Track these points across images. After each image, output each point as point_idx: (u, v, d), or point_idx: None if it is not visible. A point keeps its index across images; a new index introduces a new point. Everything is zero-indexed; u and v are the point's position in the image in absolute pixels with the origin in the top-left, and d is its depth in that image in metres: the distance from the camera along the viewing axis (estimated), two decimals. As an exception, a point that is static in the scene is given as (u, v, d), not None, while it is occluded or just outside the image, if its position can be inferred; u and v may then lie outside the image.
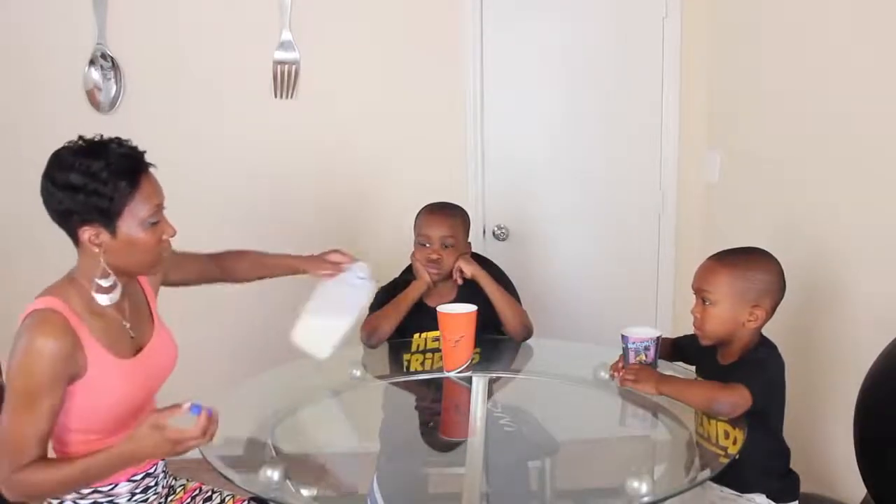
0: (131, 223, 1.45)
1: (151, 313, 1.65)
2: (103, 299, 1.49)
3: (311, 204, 3.04)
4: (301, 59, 2.94)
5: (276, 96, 2.96)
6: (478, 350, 2.05)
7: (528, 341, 2.23)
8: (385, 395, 2.12)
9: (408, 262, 2.28)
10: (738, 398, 1.59)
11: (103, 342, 1.48)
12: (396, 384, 2.12)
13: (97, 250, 1.45)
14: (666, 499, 1.44)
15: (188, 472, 1.73)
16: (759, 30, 2.63)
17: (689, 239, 3.13)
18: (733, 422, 1.61)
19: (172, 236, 1.53)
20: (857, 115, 2.06)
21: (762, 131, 2.61)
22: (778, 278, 1.69)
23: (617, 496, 1.43)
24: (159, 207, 1.50)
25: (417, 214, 2.27)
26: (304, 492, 1.47)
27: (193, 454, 1.57)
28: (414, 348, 2.13)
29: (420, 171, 3.03)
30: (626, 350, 1.82)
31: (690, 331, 1.81)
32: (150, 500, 1.59)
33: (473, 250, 2.34)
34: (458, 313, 1.95)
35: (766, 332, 1.74)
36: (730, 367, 1.70)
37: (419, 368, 2.10)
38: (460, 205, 2.33)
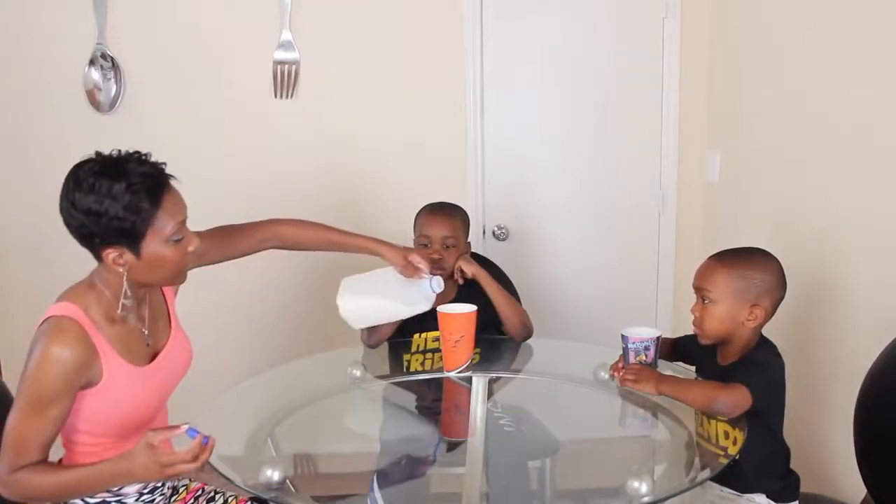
0: (156, 242, 1.44)
1: (169, 315, 1.65)
2: (128, 317, 1.51)
3: (311, 204, 3.04)
4: (301, 59, 2.94)
5: (276, 96, 2.96)
6: (478, 350, 2.05)
7: (528, 341, 2.23)
8: (385, 395, 2.12)
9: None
10: (738, 398, 1.59)
11: (119, 350, 1.48)
12: (396, 384, 2.12)
13: (121, 270, 1.44)
14: (666, 499, 1.44)
15: (189, 472, 1.73)
16: (760, 30, 2.63)
17: (689, 238, 3.13)
18: (733, 422, 1.61)
19: (197, 247, 1.52)
20: (858, 114, 2.06)
21: (762, 131, 2.61)
22: (778, 278, 1.69)
23: (617, 496, 1.43)
24: (183, 223, 1.48)
25: (417, 214, 2.27)
26: (304, 491, 1.47)
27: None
28: (414, 348, 2.13)
29: (420, 171, 3.03)
30: (625, 350, 1.82)
31: (690, 331, 1.81)
32: (156, 501, 1.60)
33: (473, 250, 2.34)
34: (458, 313, 1.95)
35: (765, 331, 1.74)
36: (730, 368, 1.70)
37: (419, 368, 2.10)
38: (460, 205, 2.33)
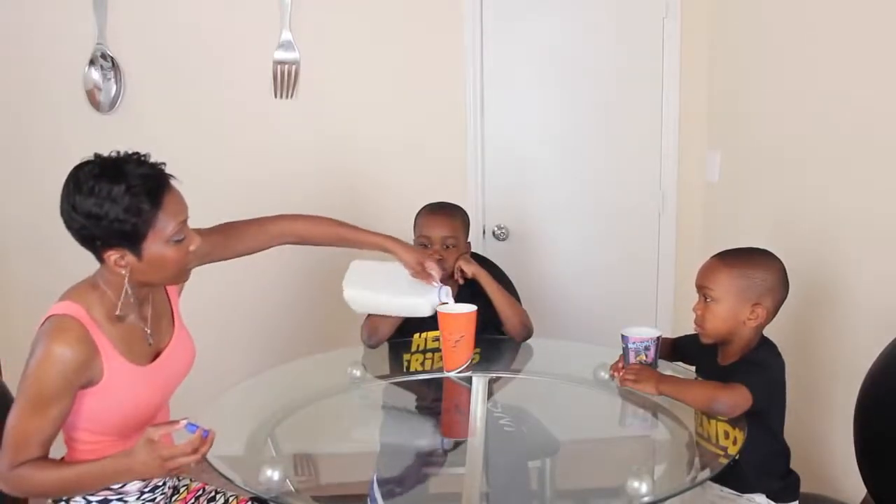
0: (157, 243, 1.44)
1: (173, 314, 1.65)
2: (129, 316, 1.50)
3: (310, 204, 3.01)
4: (301, 59, 2.94)
5: (276, 96, 2.96)
6: (478, 350, 2.05)
7: (528, 341, 2.23)
8: (385, 395, 2.12)
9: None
10: (738, 398, 1.59)
11: (121, 349, 1.48)
12: (396, 384, 2.12)
13: (123, 272, 1.45)
14: (666, 499, 1.44)
15: (189, 471, 1.72)
16: (760, 30, 2.63)
17: (689, 238, 3.13)
18: (733, 422, 1.61)
19: (198, 246, 1.52)
20: (858, 114, 2.06)
21: (762, 131, 2.61)
22: (780, 278, 1.70)
23: (617, 496, 1.43)
24: (184, 223, 1.48)
25: (417, 214, 2.27)
26: (304, 491, 1.47)
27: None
28: (414, 348, 2.13)
29: (420, 171, 3.03)
30: (626, 350, 1.82)
31: (690, 330, 1.81)
32: (157, 500, 1.60)
33: (473, 250, 2.34)
34: (458, 313, 1.95)
35: (766, 331, 1.74)
36: (730, 368, 1.70)
37: (419, 368, 2.10)
38: (459, 205, 2.34)
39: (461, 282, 2.19)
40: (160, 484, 1.60)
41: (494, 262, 2.45)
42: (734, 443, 1.58)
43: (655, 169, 3.12)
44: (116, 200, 1.38)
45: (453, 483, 1.65)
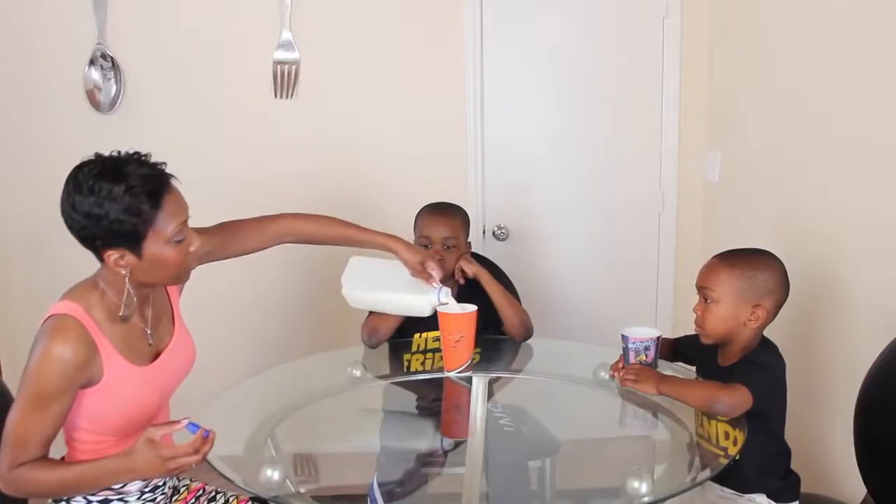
0: (157, 244, 1.44)
1: (173, 314, 1.65)
2: (129, 316, 1.50)
3: (310, 204, 3.02)
4: (301, 59, 2.94)
5: (276, 96, 2.96)
6: (478, 350, 2.05)
7: (528, 341, 2.23)
8: (385, 395, 2.12)
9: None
10: (738, 398, 1.59)
11: (121, 349, 1.48)
12: (396, 384, 2.12)
13: (123, 272, 1.44)
14: (666, 499, 1.44)
15: (189, 471, 1.73)
16: (759, 29, 2.63)
17: (689, 238, 3.13)
18: (733, 422, 1.61)
19: (199, 247, 1.52)
20: (858, 114, 2.06)
21: (762, 131, 2.61)
22: (780, 279, 1.69)
23: (617, 496, 1.43)
24: (184, 224, 1.48)
25: (418, 215, 2.27)
26: (304, 491, 1.47)
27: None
28: (414, 348, 2.13)
29: (420, 171, 3.03)
30: (626, 350, 1.82)
31: (690, 330, 1.81)
32: (157, 500, 1.60)
33: (473, 250, 2.34)
34: (458, 313, 1.95)
35: (766, 331, 1.74)
36: (730, 368, 1.70)
37: (420, 368, 2.10)
38: (459, 205, 2.33)
39: (462, 282, 2.19)
40: (160, 484, 1.60)
41: (494, 262, 2.45)
42: (734, 443, 1.58)
43: (655, 169, 3.12)
44: (116, 200, 1.38)
45: (453, 483, 1.65)
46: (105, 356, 1.45)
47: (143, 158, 1.46)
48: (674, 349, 1.94)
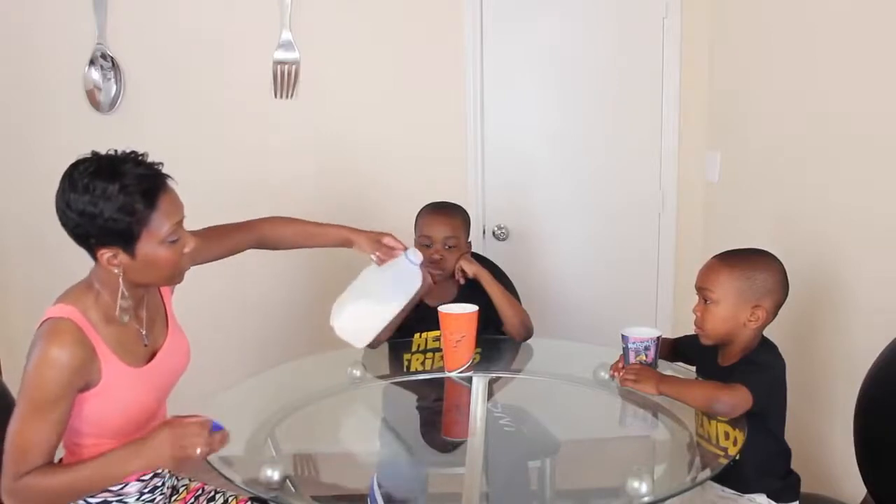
0: (150, 244, 1.43)
1: (167, 315, 1.65)
2: (125, 318, 1.49)
3: (310, 204, 3.04)
4: (301, 59, 2.94)
5: (276, 96, 2.96)
6: (479, 350, 2.05)
7: (528, 341, 2.23)
8: (385, 395, 2.12)
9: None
10: (738, 398, 1.59)
11: (117, 351, 1.48)
12: (397, 384, 2.12)
13: (116, 271, 1.44)
14: (666, 499, 1.44)
15: (189, 471, 1.73)
16: (759, 29, 2.63)
17: (689, 239, 3.14)
18: (733, 422, 1.61)
19: (193, 248, 1.51)
20: (858, 114, 2.06)
21: (762, 131, 2.61)
22: (780, 279, 1.69)
23: (617, 496, 1.43)
24: (179, 224, 1.48)
25: (418, 214, 2.27)
26: (304, 491, 1.47)
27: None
28: (414, 348, 2.13)
29: (420, 171, 3.03)
30: (626, 350, 1.82)
31: (690, 330, 1.81)
32: (156, 500, 1.60)
33: (473, 250, 2.34)
34: (459, 313, 1.95)
35: (766, 331, 1.74)
36: (730, 369, 1.70)
37: (420, 368, 2.10)
38: (460, 205, 2.33)
39: (462, 281, 2.19)
40: (159, 485, 1.60)
41: (494, 262, 2.46)
42: (734, 443, 1.58)
43: (655, 169, 3.12)
44: (111, 199, 1.37)
45: (453, 483, 1.64)
46: (102, 358, 1.44)
47: (140, 158, 1.45)
48: (674, 349, 1.94)
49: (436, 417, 2.10)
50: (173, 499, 1.67)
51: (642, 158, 3.11)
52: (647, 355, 1.80)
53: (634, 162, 3.12)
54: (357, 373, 2.10)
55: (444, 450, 1.89)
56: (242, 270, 2.25)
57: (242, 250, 1.87)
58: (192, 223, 1.70)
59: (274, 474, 1.46)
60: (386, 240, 1.85)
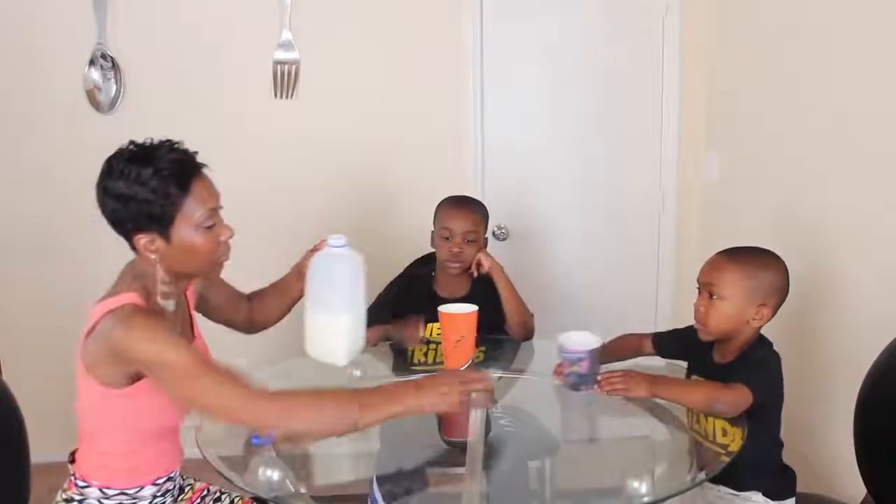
0: (185, 229, 1.44)
1: (191, 319, 1.66)
2: (169, 304, 1.49)
3: (310, 204, 3.04)
4: (301, 59, 2.94)
5: (276, 96, 2.96)
6: (482, 349, 2.06)
7: (530, 341, 2.23)
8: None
9: (410, 259, 2.32)
10: (739, 398, 1.59)
11: None
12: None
13: (153, 257, 1.44)
14: (666, 499, 1.44)
15: (188, 471, 1.73)
16: (760, 29, 2.63)
17: (688, 238, 3.14)
18: (731, 419, 1.61)
19: (230, 238, 1.52)
20: (857, 114, 2.06)
21: (762, 131, 2.61)
22: (785, 279, 1.69)
23: (617, 496, 1.43)
24: (214, 211, 1.49)
25: (439, 206, 2.28)
26: (304, 491, 1.47)
27: (195, 454, 1.58)
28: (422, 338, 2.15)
29: (420, 171, 3.03)
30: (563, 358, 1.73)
31: (691, 330, 1.80)
32: (166, 502, 1.60)
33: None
34: (457, 313, 1.95)
35: (766, 330, 1.74)
36: (729, 366, 1.69)
37: (422, 359, 2.11)
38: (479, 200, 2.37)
39: (475, 274, 2.21)
40: (170, 487, 1.60)
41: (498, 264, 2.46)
42: (733, 440, 1.58)
43: (655, 168, 3.12)
44: (145, 183, 1.39)
45: (453, 483, 1.64)
46: None
47: (175, 145, 1.48)
48: (655, 346, 1.90)
49: (436, 417, 2.09)
50: (180, 498, 1.67)
51: (642, 158, 3.11)
52: (581, 366, 1.68)
53: (634, 162, 3.12)
54: (357, 373, 2.10)
55: (444, 450, 1.89)
56: (242, 270, 2.24)
57: (235, 323, 1.91)
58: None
59: (274, 474, 1.46)
60: (319, 246, 1.86)
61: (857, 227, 2.08)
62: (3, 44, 2.89)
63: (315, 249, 1.83)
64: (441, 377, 1.42)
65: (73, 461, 1.54)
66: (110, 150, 1.47)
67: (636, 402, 1.80)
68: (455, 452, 1.80)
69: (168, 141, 1.47)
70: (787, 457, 1.77)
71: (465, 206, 2.25)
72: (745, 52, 2.75)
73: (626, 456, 1.76)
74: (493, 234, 3.11)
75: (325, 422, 1.37)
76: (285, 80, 2.95)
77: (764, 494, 1.69)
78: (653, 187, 3.13)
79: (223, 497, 1.72)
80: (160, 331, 1.37)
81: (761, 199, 2.62)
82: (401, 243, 2.61)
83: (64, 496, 1.52)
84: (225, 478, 1.49)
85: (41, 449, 1.80)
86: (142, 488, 1.52)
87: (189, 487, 1.71)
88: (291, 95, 2.96)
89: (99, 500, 1.50)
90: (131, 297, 1.42)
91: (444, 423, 2.03)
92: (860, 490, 1.79)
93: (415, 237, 2.27)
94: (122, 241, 1.48)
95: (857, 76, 2.06)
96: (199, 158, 1.51)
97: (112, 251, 1.54)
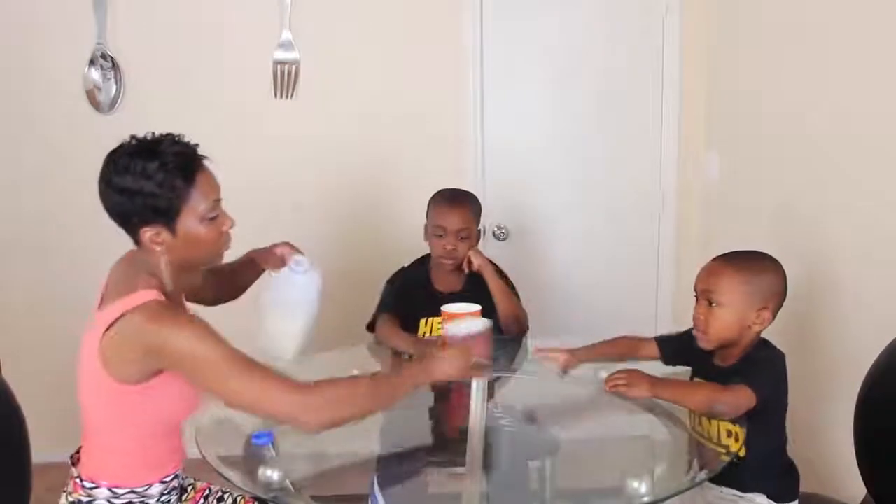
0: (190, 220, 1.45)
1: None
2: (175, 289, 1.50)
3: (310, 204, 3.04)
4: (301, 59, 2.94)
5: (276, 96, 2.96)
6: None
7: (529, 341, 2.23)
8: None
9: (409, 256, 2.31)
10: (739, 399, 1.58)
11: None
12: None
13: (159, 249, 1.45)
14: (666, 499, 1.44)
15: (189, 471, 1.72)
16: (760, 29, 2.63)
17: (688, 238, 3.14)
18: (734, 420, 1.60)
19: (232, 227, 1.54)
20: (857, 114, 2.06)
21: (762, 131, 2.61)
22: (783, 282, 1.68)
23: (617, 496, 1.43)
24: (217, 202, 1.50)
25: (433, 201, 2.27)
26: (304, 491, 1.47)
27: (195, 454, 1.58)
28: (420, 334, 2.14)
29: (420, 171, 3.03)
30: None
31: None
32: (171, 501, 1.60)
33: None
34: (462, 312, 1.95)
35: (766, 330, 1.73)
36: (731, 369, 1.68)
37: None
38: (471, 192, 2.37)
39: (466, 271, 2.23)
40: (176, 486, 1.59)
41: (495, 262, 2.45)
42: (736, 440, 1.57)
43: (655, 169, 3.12)
44: (151, 176, 1.40)
45: (453, 483, 1.64)
46: None
47: (177, 138, 1.47)
48: (661, 349, 1.88)
49: (436, 417, 2.10)
50: (183, 498, 1.67)
51: (642, 158, 3.11)
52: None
53: (634, 161, 3.12)
54: (357, 372, 2.10)
55: (444, 449, 1.89)
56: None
57: (233, 291, 1.91)
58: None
59: (274, 474, 1.46)
60: (277, 248, 1.89)
61: (857, 227, 2.08)
62: (3, 44, 2.90)
63: (274, 248, 1.89)
64: (445, 350, 1.60)
65: (75, 463, 1.53)
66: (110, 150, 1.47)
67: (636, 402, 1.80)
68: (455, 452, 1.80)
69: (169, 134, 1.47)
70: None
71: (457, 204, 2.25)
72: (745, 52, 2.75)
73: (626, 456, 1.76)
74: (494, 233, 3.11)
75: (364, 407, 1.49)
76: (285, 80, 2.95)
77: (767, 497, 1.68)
78: (653, 187, 3.13)
79: (226, 497, 1.71)
80: (198, 327, 1.38)
81: (761, 199, 2.61)
82: (400, 242, 2.61)
83: (70, 499, 1.50)
84: (225, 478, 1.49)
85: (41, 449, 1.80)
86: (150, 486, 1.52)
87: (191, 487, 1.71)
88: (291, 95, 2.97)
89: (108, 500, 1.49)
90: (153, 294, 1.42)
91: (445, 422, 2.04)
92: (860, 490, 1.79)
93: (414, 236, 2.27)
94: (122, 241, 1.48)
95: (857, 76, 2.06)
96: (200, 152, 1.50)
97: (112, 251, 1.54)
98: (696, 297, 1.71)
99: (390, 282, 2.32)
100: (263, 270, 1.91)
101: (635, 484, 1.39)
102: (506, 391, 2.09)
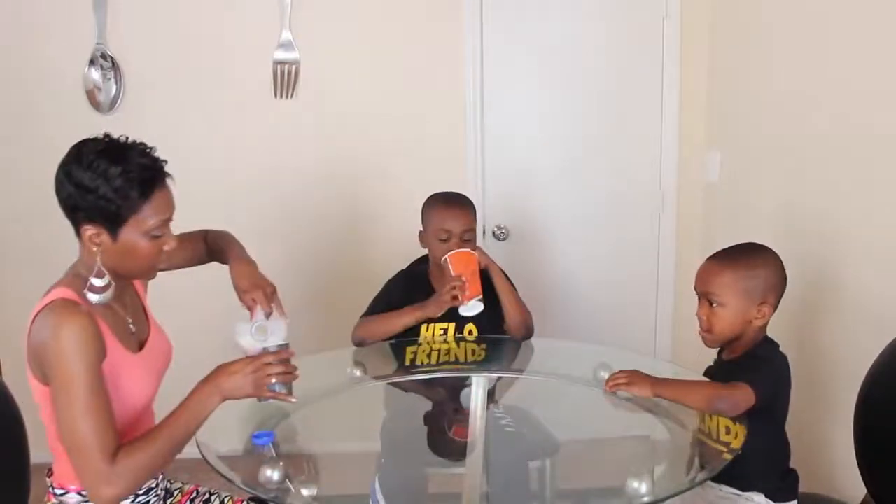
0: (134, 232, 1.44)
1: (145, 311, 1.65)
2: (94, 298, 1.46)
3: (310, 204, 3.04)
4: (301, 59, 2.94)
5: (276, 96, 2.96)
6: (483, 347, 2.05)
7: (529, 341, 2.23)
8: (386, 394, 2.12)
9: (410, 258, 2.31)
10: (739, 397, 1.59)
11: (116, 334, 1.48)
12: (396, 384, 2.12)
13: (95, 249, 1.44)
14: (666, 499, 1.44)
15: (187, 472, 1.72)
16: (759, 29, 2.63)
17: (689, 238, 3.13)
18: (734, 417, 1.60)
19: (172, 248, 1.51)
20: (857, 114, 2.06)
21: (762, 131, 2.61)
22: (780, 272, 1.68)
23: (617, 496, 1.43)
24: (166, 222, 1.48)
25: (429, 205, 2.23)
26: (304, 491, 1.47)
27: (193, 454, 1.58)
28: (421, 340, 2.15)
29: (420, 172, 3.02)
30: None
31: (691, 330, 1.79)
32: (150, 502, 1.59)
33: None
34: (464, 251, 2.10)
35: (768, 329, 1.73)
36: (735, 361, 1.69)
37: (426, 361, 2.10)
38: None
39: None
40: (153, 486, 1.59)
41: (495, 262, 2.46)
42: (736, 437, 1.57)
43: (655, 169, 3.12)
44: (109, 179, 1.39)
45: (453, 483, 1.65)
46: (106, 336, 1.44)
47: (147, 150, 1.46)
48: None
49: (436, 417, 2.10)
50: (168, 502, 1.66)
51: (642, 158, 3.11)
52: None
53: (634, 162, 3.12)
54: (357, 373, 2.11)
55: (446, 452, 1.89)
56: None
57: (205, 262, 1.85)
58: (191, 222, 1.70)
59: (274, 474, 1.46)
60: (255, 296, 1.78)
61: (857, 227, 2.08)
62: (3, 44, 2.90)
63: (245, 294, 1.79)
64: (232, 365, 1.53)
65: (49, 475, 1.53)
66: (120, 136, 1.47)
67: (636, 402, 1.80)
68: (455, 452, 1.80)
69: (141, 144, 1.46)
70: (787, 456, 1.77)
71: (459, 206, 2.23)
72: (744, 51, 2.75)
73: (626, 456, 1.76)
74: (494, 233, 3.11)
75: (168, 454, 1.42)
76: (285, 80, 2.95)
77: (766, 496, 1.68)
78: (653, 187, 3.13)
79: (212, 498, 1.71)
80: (78, 339, 1.35)
81: (762, 199, 2.62)
82: (400, 242, 2.61)
83: None
84: (225, 478, 1.49)
85: (41, 449, 1.80)
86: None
87: (178, 491, 1.70)
88: (291, 95, 2.96)
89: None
90: (63, 293, 1.43)
91: (445, 423, 2.04)
92: (860, 490, 1.79)
93: (414, 236, 2.26)
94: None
95: (857, 75, 2.06)
96: (168, 169, 1.48)
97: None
98: (698, 298, 1.72)
99: (388, 286, 2.31)
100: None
101: (635, 484, 1.39)
102: (506, 391, 2.09)
